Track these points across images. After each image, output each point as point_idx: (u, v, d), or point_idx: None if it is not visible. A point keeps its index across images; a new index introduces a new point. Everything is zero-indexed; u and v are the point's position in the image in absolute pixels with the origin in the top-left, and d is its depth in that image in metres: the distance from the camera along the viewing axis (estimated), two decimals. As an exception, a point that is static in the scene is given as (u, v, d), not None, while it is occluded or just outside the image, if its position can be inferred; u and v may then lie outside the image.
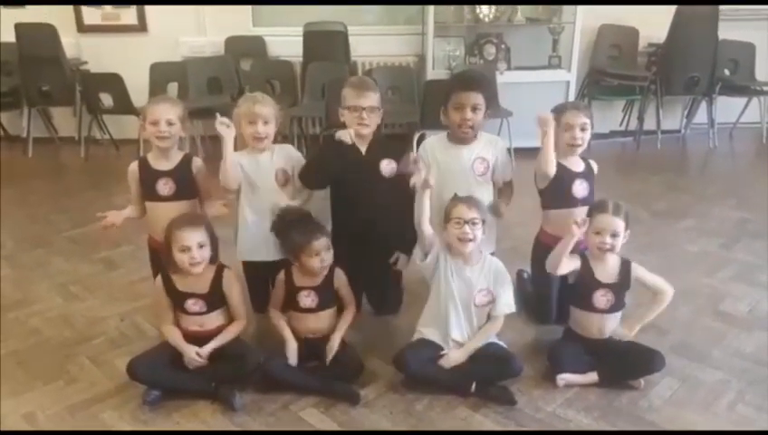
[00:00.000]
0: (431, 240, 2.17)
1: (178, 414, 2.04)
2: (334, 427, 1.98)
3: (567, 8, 4.91)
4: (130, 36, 5.37)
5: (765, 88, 5.30)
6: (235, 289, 2.23)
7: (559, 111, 2.40)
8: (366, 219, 2.44)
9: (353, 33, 5.10)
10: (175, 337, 2.17)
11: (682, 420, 2.00)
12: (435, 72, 4.91)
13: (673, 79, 5.12)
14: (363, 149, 2.46)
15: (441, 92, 2.52)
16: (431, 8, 4.86)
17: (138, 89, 4.75)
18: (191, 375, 2.15)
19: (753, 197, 4.08)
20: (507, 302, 2.20)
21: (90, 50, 5.37)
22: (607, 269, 2.19)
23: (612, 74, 5.21)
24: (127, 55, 5.16)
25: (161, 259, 2.22)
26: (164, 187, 2.36)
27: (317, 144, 4.95)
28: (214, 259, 2.17)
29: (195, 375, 2.14)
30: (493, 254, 2.36)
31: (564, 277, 2.25)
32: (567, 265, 2.17)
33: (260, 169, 2.39)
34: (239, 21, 5.35)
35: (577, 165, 2.42)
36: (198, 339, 2.17)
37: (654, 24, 5.18)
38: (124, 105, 4.81)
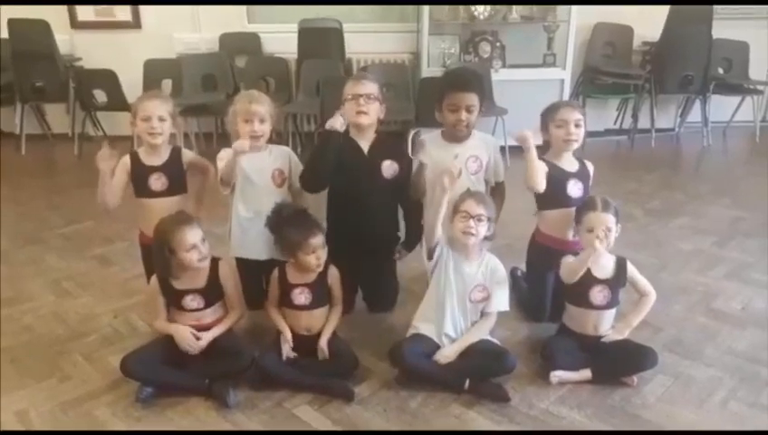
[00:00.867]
0: (439, 241, 2.18)
1: (172, 411, 2.04)
2: (328, 424, 1.98)
3: (562, 6, 4.91)
4: (124, 32, 5.35)
5: (759, 87, 5.33)
6: (231, 279, 2.24)
7: (553, 108, 2.41)
8: (363, 218, 2.44)
9: (348, 30, 5.10)
10: (168, 326, 2.17)
11: (675, 416, 2.01)
12: (430, 70, 4.91)
13: (667, 77, 5.13)
14: (365, 148, 2.45)
15: (436, 90, 2.52)
16: (426, 6, 4.85)
17: (132, 85, 4.73)
18: (185, 372, 2.14)
19: (747, 195, 4.10)
20: (501, 301, 2.21)
21: (83, 46, 5.35)
22: (602, 266, 2.20)
23: (607, 72, 5.23)
24: (121, 52, 5.14)
25: (150, 254, 2.22)
26: (156, 182, 2.36)
27: (311, 142, 4.95)
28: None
29: (188, 372, 2.14)
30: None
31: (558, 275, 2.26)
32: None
33: (257, 167, 2.38)
34: (234, 17, 5.34)
35: (571, 165, 2.43)
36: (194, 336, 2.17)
37: (648, 23, 5.20)
38: (118, 102, 4.80)
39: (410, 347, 2.15)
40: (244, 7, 5.34)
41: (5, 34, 4.81)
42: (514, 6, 4.93)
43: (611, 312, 2.23)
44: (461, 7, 4.96)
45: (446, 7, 4.98)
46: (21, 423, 2.00)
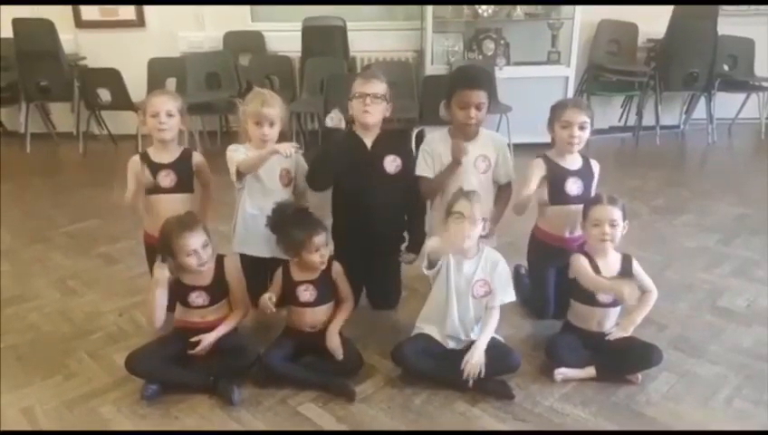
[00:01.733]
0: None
1: (177, 409, 2.04)
2: (332, 422, 1.99)
3: (566, 3, 4.90)
4: (128, 31, 5.36)
5: (764, 83, 5.30)
6: (236, 277, 2.24)
7: (560, 107, 2.40)
8: (367, 214, 2.44)
9: (352, 28, 5.10)
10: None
11: (680, 414, 2.00)
12: (434, 68, 4.91)
13: (672, 74, 5.12)
14: (369, 143, 2.46)
15: (441, 88, 2.52)
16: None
17: (136, 84, 4.75)
18: (189, 369, 2.15)
19: (752, 192, 4.08)
20: (506, 293, 2.19)
21: (88, 45, 5.36)
22: (609, 264, 2.19)
23: (611, 70, 5.21)
24: (125, 51, 5.15)
25: (155, 255, 2.21)
26: (165, 178, 2.37)
27: (316, 140, 4.96)
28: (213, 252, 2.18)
29: (193, 369, 2.15)
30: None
31: (564, 272, 2.26)
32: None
33: (266, 166, 2.37)
34: (238, 16, 5.34)
35: (572, 163, 2.42)
36: (200, 331, 2.17)
37: (653, 20, 5.18)
38: (122, 101, 4.81)
39: (413, 346, 2.15)
40: (247, 6, 5.34)
41: (11, 34, 4.83)
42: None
43: (616, 309, 2.23)
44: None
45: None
46: (27, 420, 2.01)
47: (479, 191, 2.33)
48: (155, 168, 2.37)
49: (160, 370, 2.12)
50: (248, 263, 2.43)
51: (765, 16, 5.35)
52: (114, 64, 4.86)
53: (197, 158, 2.44)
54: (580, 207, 2.29)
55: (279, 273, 2.27)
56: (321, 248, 2.19)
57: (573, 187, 2.39)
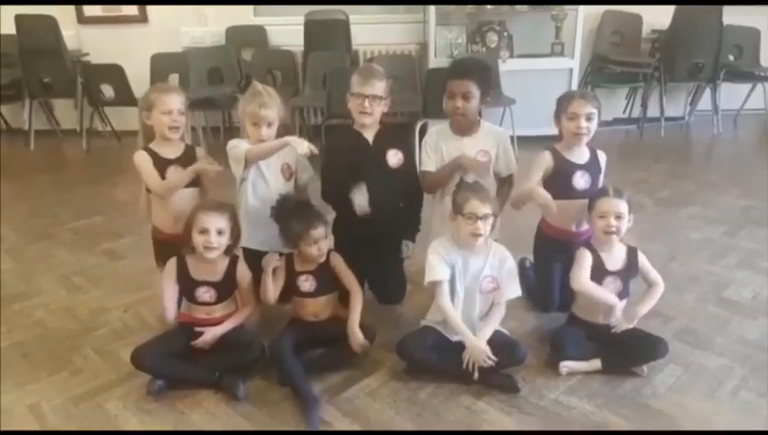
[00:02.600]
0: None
1: (182, 404, 2.05)
2: (338, 416, 1.99)
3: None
4: (131, 27, 5.36)
5: (770, 74, 5.27)
6: (246, 277, 2.25)
7: (566, 99, 2.38)
8: (370, 208, 2.43)
9: (354, 21, 5.08)
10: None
11: (685, 406, 2.00)
12: (437, 61, 4.89)
13: (676, 65, 5.09)
14: (370, 138, 2.45)
15: (442, 81, 2.50)
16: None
17: (139, 80, 4.74)
18: (195, 365, 2.15)
19: (758, 184, 4.06)
20: (513, 289, 2.18)
21: (90, 41, 5.37)
22: (614, 257, 2.18)
23: (615, 61, 5.18)
24: (128, 46, 5.16)
25: (163, 250, 2.22)
26: (174, 173, 2.35)
27: (318, 135, 4.95)
28: (230, 250, 2.19)
29: (198, 365, 2.15)
30: (495, 241, 2.35)
31: (570, 265, 2.25)
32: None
33: (266, 161, 2.37)
34: (240, 11, 5.33)
35: (580, 157, 2.40)
36: (204, 326, 2.18)
37: (657, 10, 5.15)
38: (125, 96, 4.81)
39: (418, 340, 2.16)
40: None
41: (13, 30, 4.83)
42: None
43: (622, 302, 2.22)
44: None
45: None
46: (33, 416, 2.01)
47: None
48: (163, 163, 2.37)
49: (166, 365, 2.12)
50: (251, 256, 2.43)
51: (771, 6, 5.31)
52: (117, 60, 4.86)
53: (201, 153, 2.44)
54: (586, 201, 2.28)
55: (282, 261, 2.28)
56: (320, 241, 2.19)
57: (581, 181, 2.38)
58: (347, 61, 4.89)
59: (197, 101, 4.74)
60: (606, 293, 2.18)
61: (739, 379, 2.12)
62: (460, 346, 2.16)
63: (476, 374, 2.09)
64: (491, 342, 2.14)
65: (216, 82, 5.11)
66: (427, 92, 4.54)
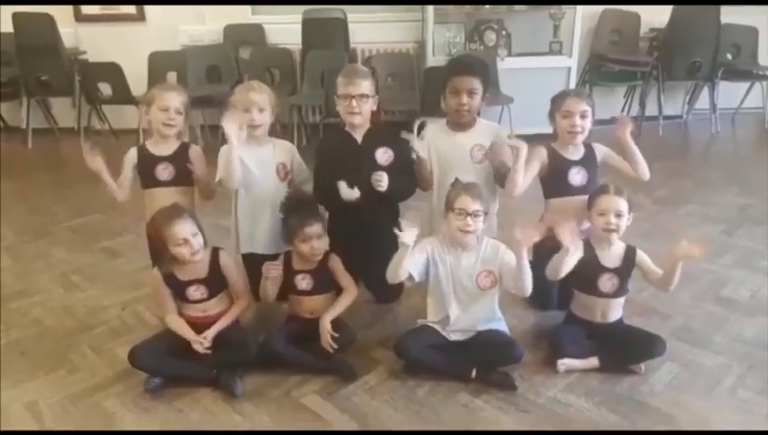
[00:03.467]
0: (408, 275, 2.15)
1: (180, 402, 2.04)
2: (336, 413, 1.99)
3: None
4: (129, 25, 5.35)
5: (768, 72, 5.27)
6: (232, 268, 2.25)
7: (560, 97, 2.39)
8: (361, 207, 2.42)
9: (352, 20, 5.08)
10: (180, 326, 2.18)
11: (683, 404, 2.00)
12: (435, 59, 4.88)
13: (675, 64, 5.09)
14: (359, 137, 2.45)
15: (441, 79, 2.50)
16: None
17: (136, 78, 4.74)
18: (192, 362, 2.15)
19: (756, 182, 4.06)
20: (510, 263, 2.12)
21: (88, 39, 5.35)
22: (611, 254, 2.18)
23: (614, 60, 5.18)
24: (125, 44, 5.15)
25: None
26: (163, 171, 2.37)
27: (317, 133, 4.95)
28: (205, 244, 2.18)
29: (196, 362, 2.15)
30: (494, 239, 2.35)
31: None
32: (568, 267, 2.14)
33: (261, 162, 2.38)
34: (238, 9, 5.32)
35: (574, 153, 2.41)
36: (202, 326, 2.18)
37: (655, 9, 5.15)
38: (123, 95, 4.80)
39: (415, 339, 2.16)
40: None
41: (11, 28, 4.81)
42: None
43: (620, 300, 2.22)
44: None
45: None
46: (31, 414, 2.01)
47: (479, 181, 2.32)
48: (153, 160, 2.37)
49: (163, 363, 2.13)
50: (251, 260, 2.43)
51: (769, 5, 5.31)
52: (115, 58, 4.85)
53: (195, 151, 2.43)
54: (586, 198, 2.29)
55: (280, 259, 2.28)
56: (312, 240, 2.19)
57: (577, 177, 2.38)
58: (345, 59, 4.88)
59: (195, 100, 4.68)
60: (562, 256, 2.11)
61: (737, 377, 2.12)
62: (457, 344, 2.17)
63: (474, 372, 2.09)
64: (488, 340, 2.15)
65: (215, 81, 5.11)
66: (425, 91, 4.54)
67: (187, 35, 5.32)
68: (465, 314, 2.18)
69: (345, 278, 2.31)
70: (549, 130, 2.49)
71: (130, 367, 2.12)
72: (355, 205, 2.41)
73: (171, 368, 2.13)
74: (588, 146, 2.43)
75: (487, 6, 4.91)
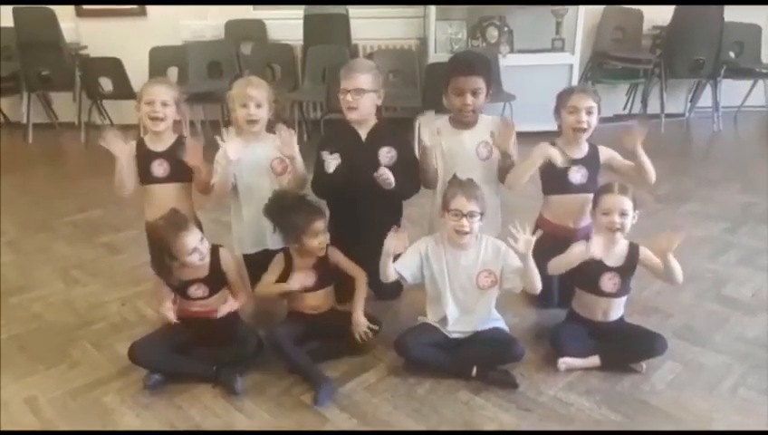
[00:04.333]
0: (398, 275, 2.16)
1: (180, 398, 2.04)
2: (336, 411, 1.98)
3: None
4: (130, 20, 5.34)
5: (771, 71, 5.25)
6: (232, 266, 2.24)
7: (566, 93, 2.37)
8: (363, 206, 2.42)
9: (354, 16, 5.06)
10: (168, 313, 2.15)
11: (684, 403, 1.99)
12: (437, 56, 4.87)
13: (677, 62, 5.07)
14: (363, 135, 2.44)
15: (443, 76, 2.49)
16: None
17: (137, 73, 4.72)
18: (192, 359, 2.15)
19: (758, 180, 4.05)
20: (514, 263, 2.13)
21: (89, 34, 5.34)
22: (614, 253, 2.17)
23: (616, 57, 5.17)
24: (126, 40, 5.13)
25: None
26: (158, 168, 2.36)
27: (318, 129, 4.94)
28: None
29: (196, 359, 2.15)
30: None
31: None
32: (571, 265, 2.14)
33: (257, 159, 2.37)
34: (239, 4, 5.30)
35: (577, 151, 2.39)
36: (202, 320, 2.17)
37: (658, 7, 5.12)
38: (124, 90, 4.79)
39: (416, 337, 2.15)
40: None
41: (11, 23, 4.80)
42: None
43: (622, 300, 2.21)
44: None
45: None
46: (30, 409, 2.01)
47: (482, 179, 2.31)
48: (149, 156, 2.36)
49: (163, 359, 2.12)
50: (253, 258, 2.43)
51: (773, 3, 5.29)
52: (115, 53, 4.84)
53: (189, 142, 2.41)
54: (586, 196, 2.28)
55: (279, 257, 2.27)
56: (320, 234, 2.20)
57: (576, 175, 2.37)
58: (347, 55, 4.86)
59: (197, 95, 4.75)
60: (570, 251, 2.13)
61: (738, 376, 2.12)
62: (458, 342, 2.17)
63: (474, 370, 2.08)
64: (489, 338, 2.14)
65: (216, 76, 5.09)
66: (427, 87, 4.53)
67: (189, 31, 5.30)
68: (462, 316, 2.18)
69: (351, 266, 2.31)
70: (551, 127, 2.48)
71: (131, 363, 2.11)
72: (355, 201, 2.40)
73: (171, 364, 2.13)
74: (592, 146, 2.42)
75: (489, 3, 4.88)
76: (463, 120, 2.43)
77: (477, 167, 2.41)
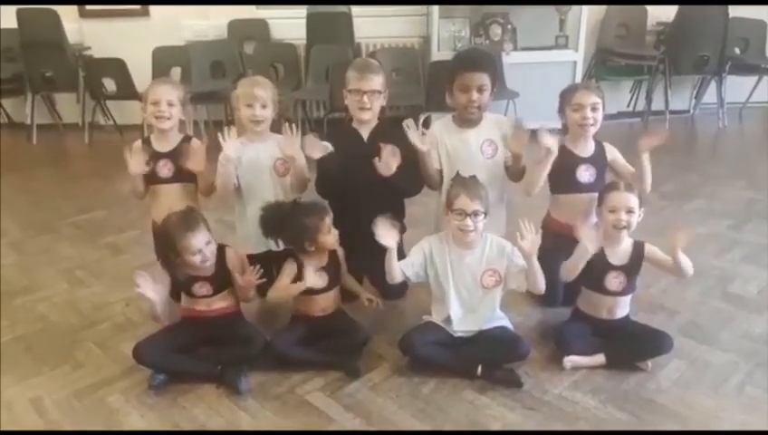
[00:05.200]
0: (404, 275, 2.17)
1: (184, 398, 2.04)
2: (340, 410, 1.98)
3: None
4: (133, 21, 5.35)
5: (776, 66, 5.22)
6: (238, 265, 2.22)
7: (569, 91, 2.36)
8: (365, 206, 2.41)
9: (357, 14, 5.05)
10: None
11: (690, 402, 1.98)
12: (440, 54, 4.86)
13: (682, 58, 5.05)
14: (365, 135, 2.43)
15: (446, 74, 2.47)
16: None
17: (141, 74, 4.73)
18: (196, 359, 2.15)
19: (763, 177, 4.03)
20: (520, 262, 2.12)
21: (92, 35, 5.35)
22: (619, 251, 2.16)
23: (620, 54, 5.15)
24: (129, 40, 5.14)
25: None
26: (163, 168, 2.36)
27: (321, 128, 4.93)
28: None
29: (200, 359, 2.15)
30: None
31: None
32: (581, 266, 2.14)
33: (260, 159, 2.37)
34: (242, 4, 5.30)
35: (584, 150, 2.38)
36: (206, 319, 2.18)
37: (662, 3, 5.10)
38: (127, 90, 4.80)
39: (421, 335, 2.14)
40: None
41: (15, 24, 4.81)
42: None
43: (627, 298, 2.20)
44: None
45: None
46: (35, 410, 2.01)
47: (487, 178, 2.31)
48: (155, 156, 2.36)
49: (168, 359, 2.12)
50: (255, 257, 2.42)
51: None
52: (119, 54, 4.85)
53: (193, 143, 2.41)
54: (594, 195, 2.26)
55: (291, 264, 2.23)
56: (332, 228, 2.20)
57: (585, 174, 2.36)
58: (350, 54, 4.86)
59: (200, 95, 4.74)
60: (576, 251, 2.12)
61: (744, 374, 2.10)
62: (463, 341, 2.16)
63: (479, 369, 2.08)
64: (494, 337, 2.13)
65: (219, 76, 5.09)
66: (430, 85, 4.52)
67: (191, 30, 5.30)
68: (467, 315, 2.17)
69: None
70: (555, 124, 2.46)
71: (135, 363, 2.11)
72: (358, 201, 2.39)
73: (176, 364, 2.13)
74: (598, 143, 2.41)
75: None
76: (467, 118, 2.42)
77: (482, 165, 2.40)
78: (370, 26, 5.17)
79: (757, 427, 1.89)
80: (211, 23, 5.33)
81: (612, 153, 2.43)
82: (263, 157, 2.37)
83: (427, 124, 2.59)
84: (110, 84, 4.97)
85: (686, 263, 2.11)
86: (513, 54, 4.82)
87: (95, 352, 2.31)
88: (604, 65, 5.27)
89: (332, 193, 2.44)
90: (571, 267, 2.14)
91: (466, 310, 2.17)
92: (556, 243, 2.40)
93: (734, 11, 4.95)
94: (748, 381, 2.07)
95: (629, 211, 2.10)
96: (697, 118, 5.56)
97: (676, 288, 2.57)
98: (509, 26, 4.94)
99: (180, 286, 2.19)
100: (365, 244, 2.36)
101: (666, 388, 2.05)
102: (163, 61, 5.02)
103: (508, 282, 2.16)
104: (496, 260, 2.15)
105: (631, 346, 2.15)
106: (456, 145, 2.44)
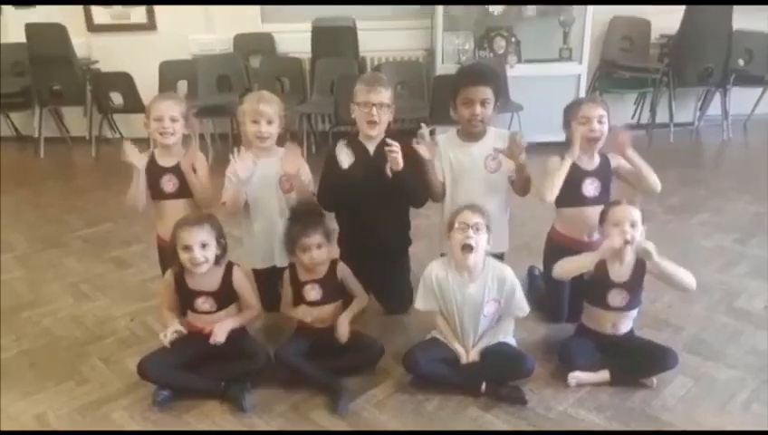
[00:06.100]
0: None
1: (188, 414, 2.04)
2: (343, 427, 1.98)
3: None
4: (140, 35, 5.38)
5: (781, 78, 5.21)
6: (245, 286, 2.24)
7: (575, 104, 2.37)
8: (371, 219, 2.42)
9: (362, 28, 5.08)
10: (167, 316, 2.17)
11: (696, 419, 1.97)
12: (444, 67, 4.87)
13: (686, 70, 5.04)
14: (371, 148, 2.44)
15: (451, 87, 2.49)
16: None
17: (147, 87, 4.75)
18: (200, 374, 2.15)
19: (769, 190, 4.01)
20: (520, 306, 2.15)
21: (100, 49, 5.39)
22: (622, 268, 2.14)
23: (624, 66, 5.15)
24: (136, 54, 5.17)
25: (168, 258, 2.22)
26: (168, 183, 2.38)
27: (326, 141, 4.95)
28: (221, 259, 2.16)
29: (204, 375, 2.15)
30: (502, 255, 2.33)
31: (579, 275, 2.22)
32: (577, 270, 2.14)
33: (265, 174, 2.38)
34: (248, 17, 5.34)
35: (589, 163, 2.39)
36: (207, 336, 2.15)
37: (666, 15, 5.11)
38: (134, 104, 4.83)
39: (424, 352, 2.14)
40: (257, 7, 5.34)
41: (23, 38, 4.87)
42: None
43: (631, 313, 2.19)
44: (475, 3, 4.92)
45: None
46: (40, 426, 2.02)
47: (490, 192, 2.31)
48: (158, 171, 2.38)
49: (172, 375, 2.12)
50: (263, 274, 2.44)
51: (782, 10, 5.26)
52: (126, 68, 4.88)
53: (200, 161, 2.42)
54: (598, 209, 2.26)
55: (286, 274, 2.28)
56: (312, 249, 2.17)
57: (590, 187, 2.36)
58: (354, 67, 4.89)
59: (206, 109, 4.77)
60: (580, 256, 2.15)
61: (751, 391, 2.09)
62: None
63: (484, 386, 2.07)
64: (498, 354, 2.13)
65: (225, 90, 5.13)
66: (435, 99, 4.53)
67: (198, 44, 5.34)
68: (471, 338, 2.17)
69: (356, 286, 2.31)
70: (560, 138, 2.47)
71: (139, 379, 2.12)
72: (363, 214, 2.40)
73: (180, 380, 2.13)
74: (603, 156, 2.41)
75: (496, 13, 4.89)
76: (471, 132, 2.43)
77: (485, 180, 2.41)
78: (375, 40, 5.19)
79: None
80: (217, 37, 5.36)
81: (615, 160, 2.42)
82: (269, 173, 2.38)
83: (432, 135, 2.59)
84: (117, 98, 5.00)
85: (689, 277, 2.11)
86: (517, 67, 4.83)
87: (100, 368, 2.32)
88: (608, 78, 5.27)
89: (335, 205, 2.45)
90: (568, 267, 2.14)
91: (474, 336, 2.16)
92: (561, 256, 2.40)
93: (738, 23, 4.95)
94: (755, 399, 2.05)
95: (633, 224, 2.09)
96: (702, 130, 5.54)
97: (681, 303, 2.56)
98: (513, 39, 4.95)
99: (184, 299, 2.19)
100: (370, 257, 2.37)
101: (671, 405, 2.03)
102: (170, 74, 5.06)
103: (505, 315, 2.18)
104: (497, 292, 2.14)
105: (636, 362, 2.14)
106: (460, 158, 2.45)
